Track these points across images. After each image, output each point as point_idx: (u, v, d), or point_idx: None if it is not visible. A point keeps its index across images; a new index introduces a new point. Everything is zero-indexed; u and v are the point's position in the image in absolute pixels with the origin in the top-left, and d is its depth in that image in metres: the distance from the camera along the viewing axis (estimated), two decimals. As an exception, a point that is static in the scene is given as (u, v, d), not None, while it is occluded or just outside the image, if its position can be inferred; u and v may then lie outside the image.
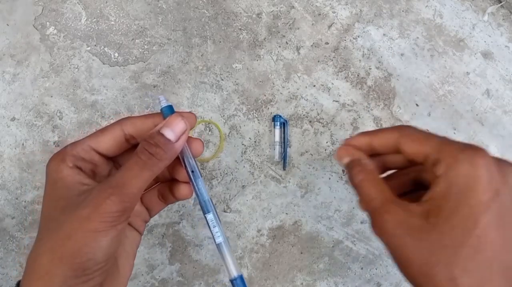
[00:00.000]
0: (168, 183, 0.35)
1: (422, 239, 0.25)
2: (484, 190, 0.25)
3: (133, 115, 0.32)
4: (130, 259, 0.33)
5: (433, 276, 0.24)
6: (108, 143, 0.30)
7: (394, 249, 0.27)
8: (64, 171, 0.29)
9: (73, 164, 0.29)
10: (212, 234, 0.33)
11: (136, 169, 0.27)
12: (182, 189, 0.33)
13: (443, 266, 0.24)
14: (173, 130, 0.29)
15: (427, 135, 0.29)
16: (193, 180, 0.32)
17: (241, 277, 0.32)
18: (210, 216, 0.33)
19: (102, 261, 0.27)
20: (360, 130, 0.59)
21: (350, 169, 0.31)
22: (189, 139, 0.32)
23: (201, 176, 0.32)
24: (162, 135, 0.28)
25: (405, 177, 0.34)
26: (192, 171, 0.31)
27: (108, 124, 0.32)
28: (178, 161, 0.32)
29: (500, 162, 0.27)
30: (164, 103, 0.31)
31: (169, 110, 0.31)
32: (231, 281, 0.32)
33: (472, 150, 0.26)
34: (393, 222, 0.26)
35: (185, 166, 0.31)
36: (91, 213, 0.26)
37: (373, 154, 0.33)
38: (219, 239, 0.33)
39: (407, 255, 0.26)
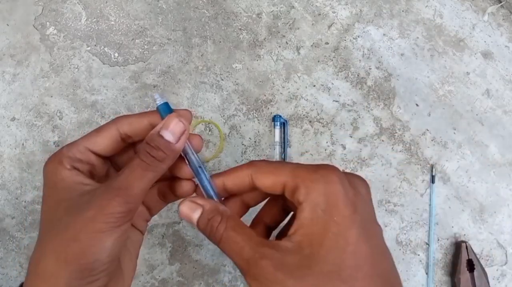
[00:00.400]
0: (168, 182, 0.35)
1: (304, 275, 0.24)
2: (344, 204, 0.25)
3: (128, 114, 0.31)
4: (133, 259, 0.33)
5: None
6: (104, 143, 0.30)
7: None
8: (63, 173, 0.29)
9: (71, 165, 0.29)
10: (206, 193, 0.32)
11: (139, 171, 0.27)
12: (185, 186, 0.33)
13: None
14: (172, 132, 0.29)
15: (278, 165, 0.28)
16: (201, 176, 0.31)
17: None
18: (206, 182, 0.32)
19: (107, 261, 0.27)
20: (360, 130, 0.59)
21: (205, 223, 0.28)
22: (189, 136, 0.32)
23: (205, 171, 0.32)
24: (162, 137, 0.28)
25: (274, 208, 0.33)
26: (200, 167, 0.31)
27: (103, 124, 0.32)
28: (178, 158, 0.32)
29: (348, 175, 0.27)
30: (159, 101, 0.31)
31: (166, 108, 0.31)
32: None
33: (324, 169, 0.26)
34: (271, 267, 0.24)
35: (189, 162, 0.31)
36: (96, 214, 0.26)
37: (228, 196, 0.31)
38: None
39: None
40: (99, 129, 0.31)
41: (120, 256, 0.31)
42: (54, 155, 0.30)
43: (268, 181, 0.28)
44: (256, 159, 0.57)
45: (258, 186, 0.29)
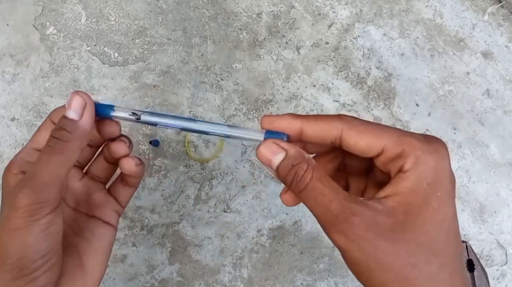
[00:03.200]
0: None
1: (397, 240, 0.23)
2: (449, 180, 0.25)
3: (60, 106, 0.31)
4: (98, 256, 0.31)
5: (414, 278, 0.23)
6: (44, 138, 0.29)
7: (367, 257, 0.23)
8: (9, 179, 0.28)
9: (18, 170, 0.29)
10: (216, 134, 0.29)
11: (45, 157, 0.27)
12: (124, 163, 0.32)
13: (423, 266, 0.23)
14: (73, 109, 0.27)
15: (378, 126, 0.26)
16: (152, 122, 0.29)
17: (268, 132, 0.27)
18: (198, 122, 0.29)
19: (37, 258, 0.26)
20: (360, 130, 0.59)
21: (288, 168, 0.26)
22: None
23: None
24: (65, 117, 0.27)
25: (330, 165, 0.30)
26: (136, 117, 0.29)
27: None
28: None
29: None
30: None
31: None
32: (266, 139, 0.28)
33: (436, 142, 0.25)
34: (363, 224, 0.23)
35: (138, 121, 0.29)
36: (9, 211, 0.25)
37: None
38: (226, 131, 0.29)
39: (385, 261, 0.23)
40: (38, 129, 0.31)
41: (81, 251, 0.30)
42: (8, 164, 0.30)
43: (364, 141, 0.25)
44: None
45: (348, 144, 0.26)
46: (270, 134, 0.27)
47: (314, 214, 0.25)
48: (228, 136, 0.29)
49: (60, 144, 0.27)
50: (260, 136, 0.28)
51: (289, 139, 0.28)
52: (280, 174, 0.26)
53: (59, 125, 0.27)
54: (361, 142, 0.25)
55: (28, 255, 0.25)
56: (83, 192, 0.33)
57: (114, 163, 0.34)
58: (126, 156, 0.32)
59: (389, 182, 0.25)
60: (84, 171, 0.35)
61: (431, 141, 0.25)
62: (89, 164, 0.35)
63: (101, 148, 0.34)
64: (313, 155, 0.30)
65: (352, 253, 0.24)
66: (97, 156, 0.34)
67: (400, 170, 0.25)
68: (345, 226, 0.23)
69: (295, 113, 0.27)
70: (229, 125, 0.29)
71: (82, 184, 0.33)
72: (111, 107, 0.29)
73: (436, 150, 0.25)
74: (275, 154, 0.26)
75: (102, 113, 0.29)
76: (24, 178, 0.27)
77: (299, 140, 0.27)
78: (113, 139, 0.32)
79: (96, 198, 0.33)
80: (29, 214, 0.25)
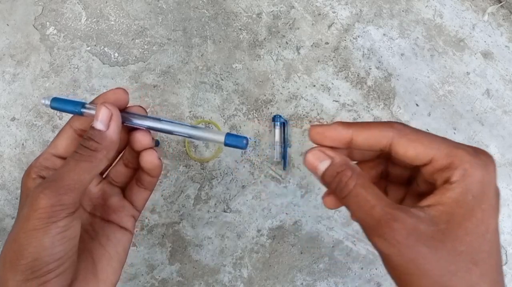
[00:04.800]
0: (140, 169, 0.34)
1: (437, 247, 0.23)
2: (494, 194, 0.25)
3: None
4: (113, 263, 0.31)
5: (453, 286, 0.23)
6: (63, 144, 0.30)
7: (406, 262, 0.24)
8: (28, 184, 0.29)
9: (36, 174, 0.29)
10: (180, 134, 0.30)
11: (72, 162, 0.27)
12: (146, 155, 0.32)
13: (463, 274, 0.23)
14: (100, 120, 0.28)
15: (429, 136, 0.26)
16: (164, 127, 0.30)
17: (228, 135, 0.29)
18: (163, 122, 0.30)
19: (51, 261, 0.26)
20: (360, 130, 0.59)
21: (333, 175, 0.26)
22: (129, 109, 0.31)
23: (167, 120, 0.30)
24: (93, 128, 0.28)
25: (373, 172, 0.31)
26: (157, 120, 0.30)
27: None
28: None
29: None
30: (46, 102, 0.31)
31: (59, 103, 0.31)
32: (226, 145, 0.30)
33: (485, 155, 0.25)
34: (404, 230, 0.23)
35: (150, 129, 0.30)
36: (28, 211, 0.25)
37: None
38: (189, 131, 0.30)
39: (424, 267, 0.23)
40: (57, 134, 0.31)
41: (95, 257, 0.30)
42: (27, 169, 0.30)
43: (413, 150, 0.25)
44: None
45: (397, 152, 0.26)
46: (230, 137, 0.29)
47: (356, 218, 0.26)
48: (191, 137, 0.30)
49: (88, 152, 0.28)
50: (221, 138, 0.30)
51: (248, 141, 0.30)
52: (326, 180, 0.27)
53: (88, 136, 0.28)
54: (410, 151, 0.26)
55: (42, 257, 0.25)
56: (100, 196, 0.33)
57: (133, 167, 0.34)
58: (149, 148, 0.32)
59: (431, 193, 0.25)
60: (103, 176, 0.35)
61: (480, 155, 0.25)
62: (108, 169, 0.35)
63: (121, 154, 0.34)
64: (356, 161, 0.31)
65: (392, 257, 0.24)
66: (118, 161, 0.35)
67: (447, 181, 0.25)
68: (386, 231, 0.24)
69: (343, 121, 0.28)
70: (192, 127, 0.30)
71: (99, 188, 0.33)
72: (81, 104, 0.30)
73: (485, 163, 0.25)
74: (321, 161, 0.27)
75: (71, 110, 0.30)
76: (46, 180, 0.27)
77: (347, 147, 0.28)
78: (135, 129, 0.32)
79: (112, 202, 0.33)
80: (48, 215, 0.25)
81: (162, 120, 0.30)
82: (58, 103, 0.31)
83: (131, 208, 0.34)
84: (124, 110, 0.30)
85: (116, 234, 0.32)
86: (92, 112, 0.30)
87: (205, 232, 0.57)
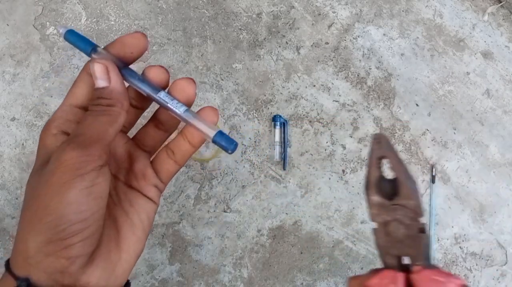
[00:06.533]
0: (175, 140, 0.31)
1: None
2: None
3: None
4: (137, 231, 0.28)
5: None
6: (83, 92, 0.28)
7: None
8: (46, 140, 0.27)
9: (58, 129, 0.27)
10: (171, 110, 0.28)
11: (90, 118, 0.26)
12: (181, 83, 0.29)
13: None
14: (98, 78, 0.27)
15: None
16: (162, 99, 0.28)
17: (220, 133, 0.28)
18: (162, 94, 0.28)
19: (76, 221, 0.23)
20: (360, 130, 0.59)
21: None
22: (146, 70, 0.29)
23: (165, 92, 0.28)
24: (96, 88, 0.27)
25: None
26: (157, 90, 0.28)
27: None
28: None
29: None
30: (62, 30, 0.29)
31: (74, 37, 0.29)
32: (214, 142, 0.28)
33: None
34: None
35: (149, 94, 0.28)
36: (53, 166, 0.24)
37: None
38: (182, 109, 0.28)
39: None
40: (74, 83, 0.29)
41: (118, 224, 0.28)
42: (46, 124, 0.28)
43: None
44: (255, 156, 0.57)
45: None
46: (220, 135, 0.28)
47: None
48: (182, 118, 0.29)
49: (104, 108, 0.26)
50: (211, 133, 0.28)
51: (236, 146, 0.28)
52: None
53: (95, 97, 0.27)
54: None
55: (67, 214, 0.23)
56: (125, 158, 0.30)
57: (164, 130, 0.31)
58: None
59: None
60: (131, 137, 0.32)
61: None
62: (132, 127, 0.32)
63: (153, 114, 0.31)
64: None
65: None
66: (148, 122, 0.31)
67: None
68: None
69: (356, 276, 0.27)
70: (189, 110, 0.29)
71: (125, 149, 0.30)
72: (92, 46, 0.29)
73: None
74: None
75: (81, 47, 0.29)
76: (69, 137, 0.25)
77: None
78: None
79: (137, 167, 0.30)
80: (75, 167, 0.23)
81: (161, 91, 0.28)
82: (72, 36, 0.29)
83: (155, 177, 0.30)
84: (128, 67, 0.29)
85: (139, 201, 0.30)
86: (100, 56, 0.29)
87: (205, 232, 0.57)
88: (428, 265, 0.25)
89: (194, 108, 0.29)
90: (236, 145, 0.28)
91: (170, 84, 0.29)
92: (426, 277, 0.24)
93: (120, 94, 0.27)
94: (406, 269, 0.26)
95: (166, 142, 0.32)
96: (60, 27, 0.29)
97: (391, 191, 0.28)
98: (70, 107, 0.28)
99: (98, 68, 0.27)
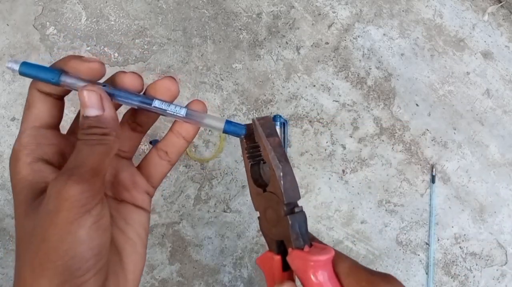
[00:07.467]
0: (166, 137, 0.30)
1: None
2: None
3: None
4: (137, 248, 0.28)
5: None
6: (44, 110, 0.26)
7: None
8: (22, 171, 0.25)
9: (32, 157, 0.25)
10: (171, 116, 0.27)
11: (86, 148, 0.24)
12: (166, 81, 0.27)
13: None
14: (91, 106, 0.25)
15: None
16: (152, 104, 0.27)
17: (228, 122, 0.28)
18: (157, 102, 0.27)
19: (90, 257, 0.23)
20: (360, 130, 0.59)
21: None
22: (119, 77, 0.27)
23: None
24: (87, 117, 0.25)
25: None
26: (145, 100, 0.26)
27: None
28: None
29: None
30: (15, 66, 0.25)
31: (29, 68, 0.26)
32: (225, 132, 0.28)
33: (393, 279, 0.25)
34: None
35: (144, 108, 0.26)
36: (56, 204, 0.22)
37: None
38: (182, 112, 0.27)
39: None
40: (28, 104, 0.26)
41: (118, 246, 0.27)
42: (11, 155, 0.26)
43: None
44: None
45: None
46: (229, 124, 0.28)
47: None
48: (187, 119, 0.28)
49: (99, 137, 0.24)
50: (220, 125, 0.28)
51: (248, 132, 0.28)
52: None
53: (87, 125, 0.25)
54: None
55: (80, 253, 0.22)
56: (109, 171, 0.29)
57: (141, 131, 0.30)
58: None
59: None
60: None
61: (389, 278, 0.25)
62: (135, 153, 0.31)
63: (126, 116, 0.30)
64: None
65: None
66: (122, 126, 0.30)
67: None
68: None
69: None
70: (190, 109, 0.28)
71: None
72: (59, 72, 0.26)
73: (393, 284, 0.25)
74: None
75: (49, 80, 0.26)
76: (66, 169, 0.23)
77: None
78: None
79: (124, 177, 0.29)
80: (81, 204, 0.22)
81: (154, 100, 0.26)
82: (29, 68, 0.25)
83: (145, 184, 0.29)
84: (111, 85, 0.27)
85: (134, 215, 0.28)
86: (72, 82, 0.25)
87: (205, 232, 0.57)
88: (299, 245, 0.26)
89: (184, 104, 0.28)
90: (245, 127, 0.28)
91: (150, 85, 0.28)
92: (295, 257, 0.26)
93: (114, 122, 0.25)
94: (285, 252, 0.27)
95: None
96: (10, 62, 0.26)
97: (265, 178, 0.29)
98: (35, 130, 0.26)
99: (91, 97, 0.25)
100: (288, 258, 0.26)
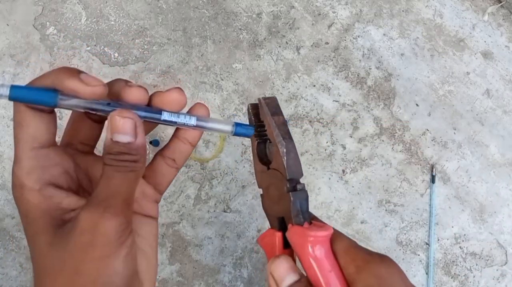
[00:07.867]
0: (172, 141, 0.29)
1: None
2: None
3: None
4: (150, 259, 0.28)
5: None
6: (41, 128, 0.25)
7: None
8: (32, 199, 0.24)
9: (40, 183, 0.24)
10: (182, 126, 0.27)
11: (118, 175, 0.23)
12: (173, 93, 0.26)
13: None
14: (124, 133, 0.23)
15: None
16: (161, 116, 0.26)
17: (237, 125, 0.28)
18: (165, 115, 0.26)
19: (123, 284, 0.23)
20: (360, 130, 0.59)
21: None
22: (125, 92, 0.25)
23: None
24: (117, 142, 0.23)
25: None
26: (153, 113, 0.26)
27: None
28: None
29: None
30: (3, 92, 0.23)
31: (22, 92, 0.24)
32: (235, 135, 0.28)
33: (388, 259, 0.27)
34: None
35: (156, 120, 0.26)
36: (91, 238, 0.22)
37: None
38: (192, 121, 0.27)
39: None
40: (20, 125, 0.25)
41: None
42: (13, 181, 0.24)
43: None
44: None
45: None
46: (238, 127, 0.28)
47: None
48: (197, 127, 0.28)
49: (130, 163, 0.24)
50: (229, 128, 0.28)
51: (254, 129, 0.28)
52: None
53: (117, 151, 0.23)
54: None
55: (115, 282, 0.22)
56: None
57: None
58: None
59: None
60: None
61: (384, 259, 0.26)
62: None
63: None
64: None
65: None
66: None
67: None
68: None
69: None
70: (200, 119, 0.28)
71: None
72: (56, 93, 0.23)
73: (388, 264, 0.26)
74: (288, 274, 0.26)
75: (45, 102, 0.24)
76: (96, 199, 0.23)
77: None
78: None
79: None
80: (116, 238, 0.22)
81: (162, 112, 0.26)
82: (21, 93, 0.23)
83: (153, 192, 0.29)
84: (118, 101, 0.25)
85: (144, 226, 0.28)
86: (73, 104, 0.24)
87: (205, 232, 0.57)
88: (299, 221, 0.26)
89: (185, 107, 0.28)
90: (253, 127, 0.28)
91: (157, 96, 0.27)
92: (294, 233, 0.26)
93: (144, 149, 0.24)
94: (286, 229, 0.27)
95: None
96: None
97: (270, 157, 0.29)
98: (36, 152, 0.25)
99: (125, 124, 0.23)
100: (287, 234, 0.26)
